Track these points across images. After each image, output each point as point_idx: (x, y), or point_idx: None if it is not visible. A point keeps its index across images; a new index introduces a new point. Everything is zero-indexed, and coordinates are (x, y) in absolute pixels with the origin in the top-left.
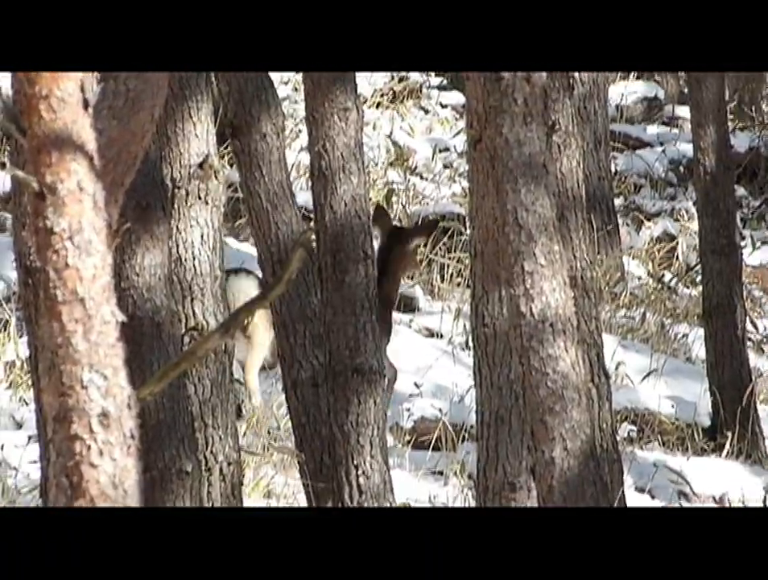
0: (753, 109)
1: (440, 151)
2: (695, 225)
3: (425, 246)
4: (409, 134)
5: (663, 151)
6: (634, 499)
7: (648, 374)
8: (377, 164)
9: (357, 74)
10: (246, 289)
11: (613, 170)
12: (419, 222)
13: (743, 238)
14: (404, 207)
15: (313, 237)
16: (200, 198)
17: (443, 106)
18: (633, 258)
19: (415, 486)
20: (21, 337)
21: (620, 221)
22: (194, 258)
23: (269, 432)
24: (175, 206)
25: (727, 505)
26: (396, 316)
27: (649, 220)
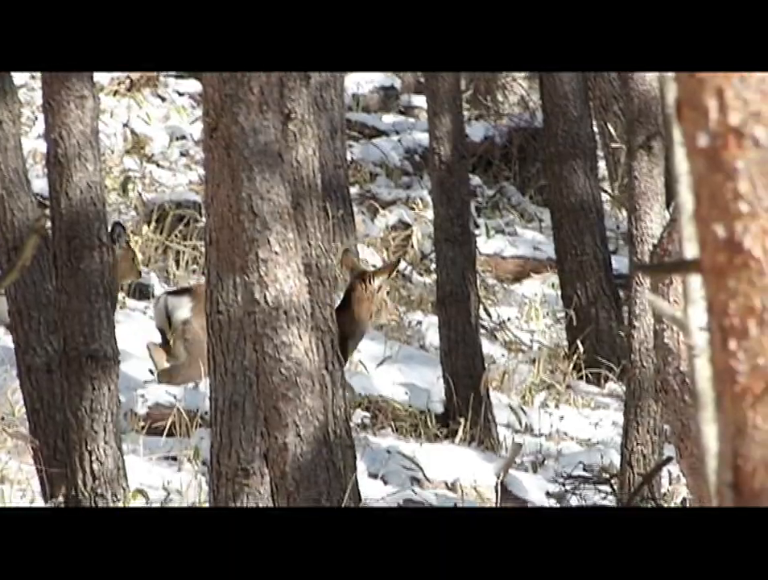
0: (489, 98)
1: (177, 139)
2: (430, 214)
3: (173, 235)
4: (146, 122)
5: (399, 140)
6: (368, 485)
7: (382, 362)
8: (113, 152)
9: None
10: None
11: (348, 158)
12: (383, 264)
13: (477, 227)
14: (140, 194)
15: (48, 223)
16: None
17: (181, 94)
18: (368, 246)
19: (149, 471)
20: None
21: (355, 209)
22: None
23: (2, 418)
24: None
25: (459, 490)
26: (131, 303)
27: (384, 208)
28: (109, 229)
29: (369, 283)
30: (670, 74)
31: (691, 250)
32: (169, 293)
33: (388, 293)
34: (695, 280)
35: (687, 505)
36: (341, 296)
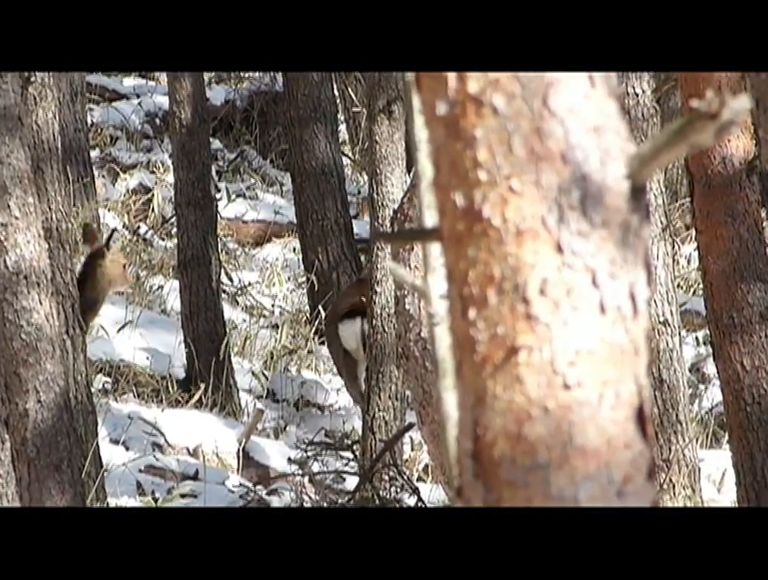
0: None
1: None
2: (171, 178)
3: None
4: None
5: (140, 103)
6: (109, 451)
7: (123, 326)
8: None
9: None
10: None
11: (89, 121)
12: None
13: (218, 191)
14: None
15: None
16: None
17: None
18: (108, 210)
19: None
20: None
21: (96, 172)
22: None
23: None
24: None
25: (201, 457)
26: None
27: (125, 172)
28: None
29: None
30: None
31: (430, 218)
32: None
33: (125, 266)
34: (436, 248)
35: (430, 471)
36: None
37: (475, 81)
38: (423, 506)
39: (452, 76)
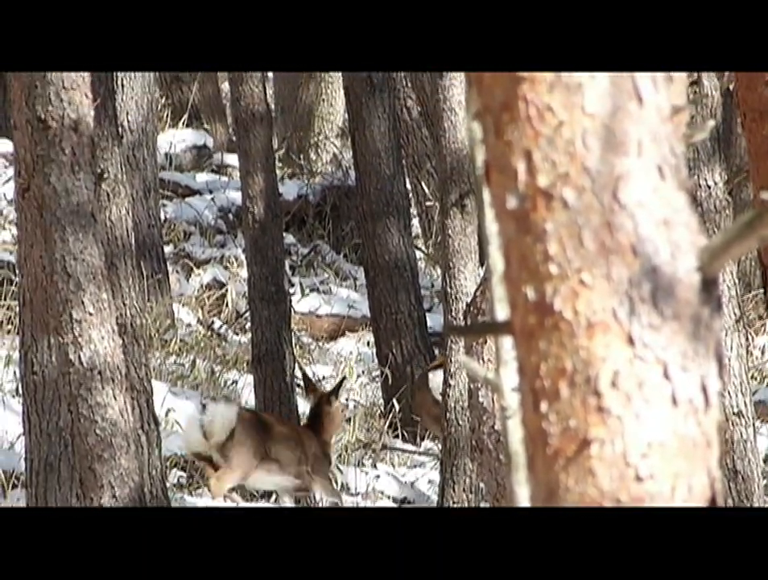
0: (302, 157)
1: None
2: (244, 273)
3: None
4: None
5: (213, 198)
6: None
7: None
8: None
9: None
10: None
11: (162, 217)
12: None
13: (292, 286)
14: None
15: None
16: None
17: None
18: (183, 305)
19: None
20: None
21: (170, 268)
22: None
23: None
24: None
25: None
26: None
27: (198, 267)
28: None
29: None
30: (479, 136)
31: (502, 312)
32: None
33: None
34: (508, 341)
35: None
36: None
37: (545, 175)
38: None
39: (521, 170)
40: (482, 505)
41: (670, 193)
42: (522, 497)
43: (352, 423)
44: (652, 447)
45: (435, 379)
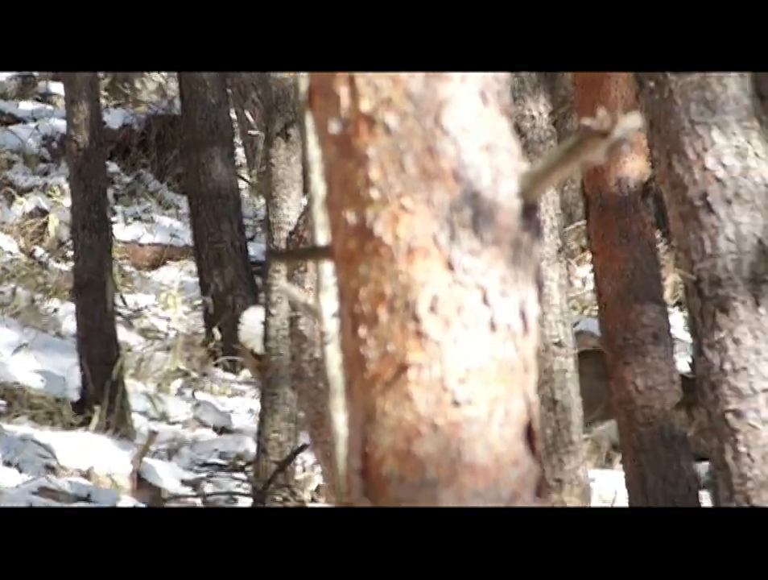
0: (127, 86)
1: None
2: (67, 201)
3: None
4: None
5: (37, 126)
6: (2, 473)
7: (18, 349)
8: None
9: None
10: None
11: None
12: None
13: (115, 214)
14: None
15: None
16: None
17: None
18: (4, 233)
19: None
20: None
21: None
22: None
23: None
24: None
25: (93, 479)
26: None
27: (21, 195)
28: None
29: None
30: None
31: (323, 237)
32: None
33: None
34: (328, 267)
35: (321, 492)
36: None
37: (367, 100)
38: None
39: (344, 95)
40: (301, 434)
41: (493, 119)
42: (340, 422)
43: (173, 351)
44: (470, 372)
45: (249, 316)
